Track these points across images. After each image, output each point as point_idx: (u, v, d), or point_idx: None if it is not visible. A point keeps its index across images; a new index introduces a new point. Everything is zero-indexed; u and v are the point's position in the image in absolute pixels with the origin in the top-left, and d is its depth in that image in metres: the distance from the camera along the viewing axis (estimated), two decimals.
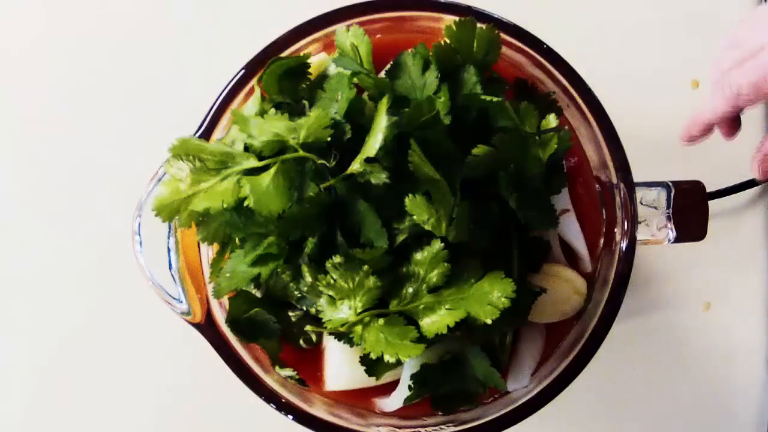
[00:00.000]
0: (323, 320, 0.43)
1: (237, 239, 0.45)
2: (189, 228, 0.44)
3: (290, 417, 0.48)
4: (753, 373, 0.66)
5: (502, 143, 0.43)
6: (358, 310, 0.43)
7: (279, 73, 0.47)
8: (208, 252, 0.51)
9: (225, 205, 0.41)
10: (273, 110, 0.43)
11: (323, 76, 0.49)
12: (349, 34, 0.47)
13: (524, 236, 0.48)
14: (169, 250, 0.49)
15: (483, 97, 0.45)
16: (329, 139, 0.41)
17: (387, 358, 0.41)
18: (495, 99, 0.44)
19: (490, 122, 0.46)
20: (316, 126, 0.41)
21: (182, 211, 0.42)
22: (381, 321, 0.43)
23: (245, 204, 0.40)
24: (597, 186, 0.54)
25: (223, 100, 0.50)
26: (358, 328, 0.43)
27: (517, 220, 0.46)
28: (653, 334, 0.67)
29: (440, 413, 0.51)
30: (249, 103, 0.47)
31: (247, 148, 0.43)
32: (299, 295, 0.46)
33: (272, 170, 0.41)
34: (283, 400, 0.49)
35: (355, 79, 0.45)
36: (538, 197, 0.47)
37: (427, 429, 0.50)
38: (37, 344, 0.67)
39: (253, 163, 0.41)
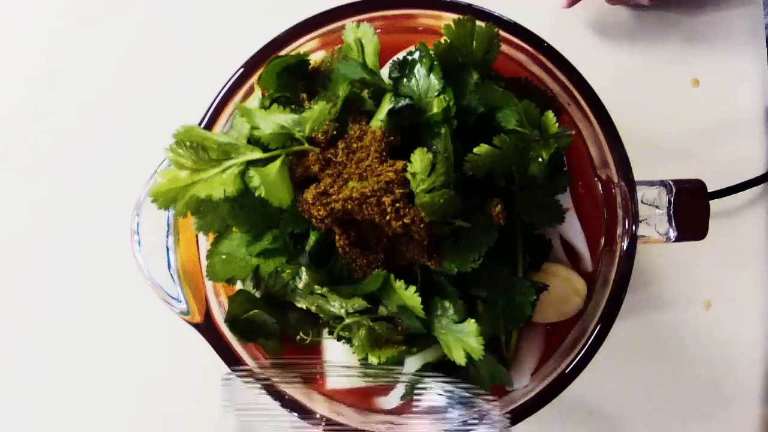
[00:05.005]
0: (320, 317, 0.43)
1: (234, 228, 0.45)
2: (185, 217, 0.43)
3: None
4: (753, 372, 0.66)
5: (504, 143, 0.43)
6: (349, 311, 0.43)
7: (278, 70, 0.47)
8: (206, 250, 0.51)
9: (227, 194, 0.40)
10: (275, 105, 0.43)
11: (322, 74, 0.49)
12: (358, 31, 0.47)
13: (528, 235, 0.48)
14: (167, 249, 0.48)
15: (494, 86, 0.44)
16: (335, 132, 0.41)
17: (371, 359, 0.42)
18: (501, 89, 0.44)
19: (491, 122, 0.45)
20: (320, 120, 0.41)
21: (179, 200, 0.41)
22: (368, 323, 0.43)
23: (256, 194, 0.40)
24: (598, 185, 0.54)
25: (222, 99, 0.50)
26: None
27: (522, 219, 0.45)
28: (653, 333, 0.66)
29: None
30: (249, 102, 0.47)
31: (249, 142, 0.43)
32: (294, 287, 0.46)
33: (278, 162, 0.41)
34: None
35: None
36: (541, 195, 0.46)
37: None
38: (36, 344, 0.67)
39: (257, 154, 0.41)
